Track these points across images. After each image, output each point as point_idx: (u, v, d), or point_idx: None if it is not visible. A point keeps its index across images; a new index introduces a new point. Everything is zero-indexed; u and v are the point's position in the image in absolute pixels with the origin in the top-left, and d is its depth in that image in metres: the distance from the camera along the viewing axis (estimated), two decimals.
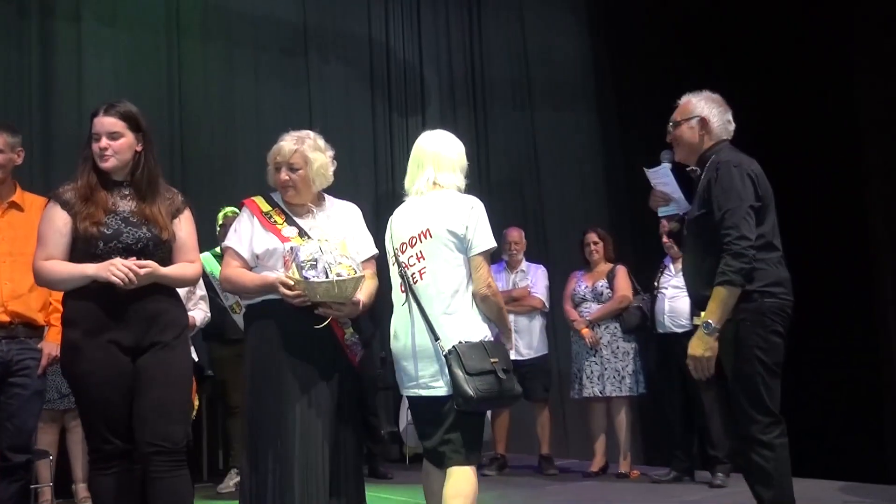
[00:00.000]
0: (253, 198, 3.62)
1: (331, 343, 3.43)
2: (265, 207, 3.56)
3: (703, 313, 3.25)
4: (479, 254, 3.36)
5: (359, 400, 4.11)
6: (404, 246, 3.43)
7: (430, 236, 3.37)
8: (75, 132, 6.71)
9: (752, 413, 3.24)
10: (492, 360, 3.21)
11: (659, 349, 5.99)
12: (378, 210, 8.25)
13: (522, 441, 7.27)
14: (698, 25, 9.10)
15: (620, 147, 9.42)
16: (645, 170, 3.67)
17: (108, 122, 3.27)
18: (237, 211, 4.06)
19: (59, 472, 5.53)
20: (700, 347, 3.25)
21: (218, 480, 6.10)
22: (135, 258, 3.16)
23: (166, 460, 3.21)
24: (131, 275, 3.08)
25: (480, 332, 3.31)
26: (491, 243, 3.39)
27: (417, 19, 8.88)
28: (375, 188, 8.36)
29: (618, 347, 6.14)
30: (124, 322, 3.19)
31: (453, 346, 3.20)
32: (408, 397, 3.50)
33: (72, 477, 5.79)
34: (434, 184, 3.49)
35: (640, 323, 6.13)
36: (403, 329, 3.40)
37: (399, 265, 3.44)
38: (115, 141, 3.26)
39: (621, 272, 6.24)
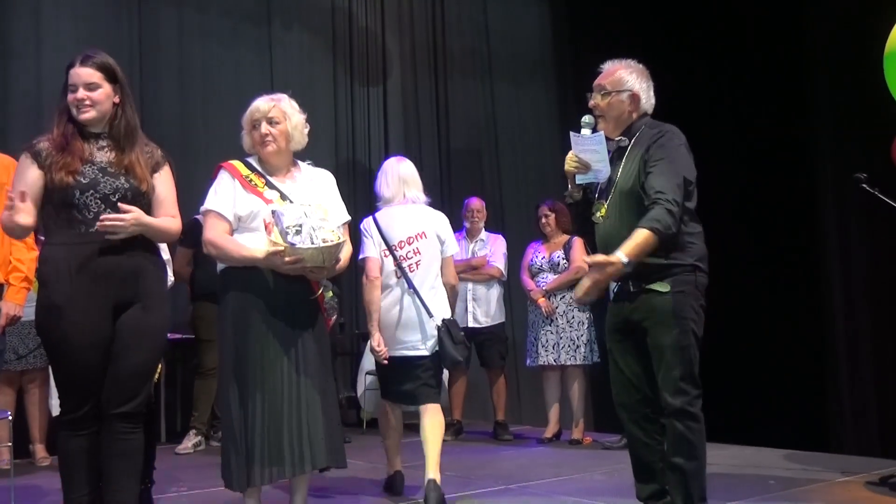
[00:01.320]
0: (230, 162, 3.55)
1: (313, 305, 3.46)
2: (244, 171, 3.51)
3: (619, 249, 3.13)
4: (451, 255, 4.49)
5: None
6: (402, 243, 4.32)
7: (426, 237, 4.35)
8: (34, 94, 6.54)
9: (682, 385, 3.23)
10: (461, 333, 4.32)
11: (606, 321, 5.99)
12: (337, 175, 8.09)
13: (477, 408, 7.29)
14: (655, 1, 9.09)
15: (577, 121, 9.35)
16: (573, 135, 3.47)
17: (84, 73, 3.16)
18: None
19: (16, 433, 5.43)
20: (612, 276, 3.19)
21: (176, 441, 6.05)
22: (114, 213, 3.08)
23: (127, 423, 3.18)
24: (119, 226, 3.02)
25: (449, 310, 4.40)
26: (457, 248, 4.72)
27: None
28: (335, 156, 8.27)
29: (573, 317, 6.16)
30: (104, 280, 3.11)
31: (443, 321, 4.23)
32: (391, 356, 4.27)
33: (29, 437, 5.71)
34: (416, 198, 4.45)
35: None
36: (395, 305, 4.29)
37: (395, 257, 4.27)
38: (92, 92, 3.16)
39: (577, 243, 6.22)
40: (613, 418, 6.63)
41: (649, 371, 3.36)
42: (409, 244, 4.33)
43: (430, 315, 4.25)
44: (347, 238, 3.51)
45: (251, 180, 3.47)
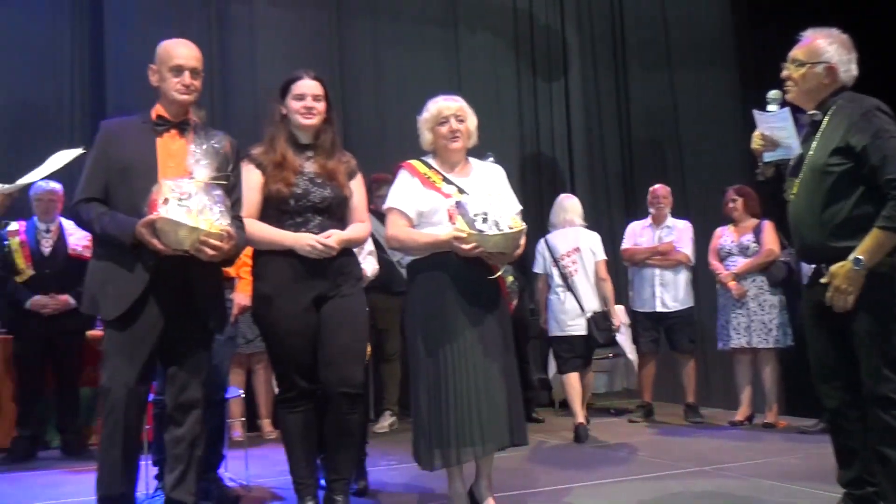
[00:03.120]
0: (409, 161, 3.65)
1: (495, 290, 3.49)
2: (423, 169, 3.59)
3: (857, 248, 2.95)
4: (602, 260, 5.88)
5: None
6: (563, 256, 5.89)
7: (580, 251, 5.88)
8: (250, 103, 6.96)
9: (885, 372, 3.00)
10: (608, 323, 5.76)
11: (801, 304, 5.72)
12: (524, 170, 8.24)
13: (668, 391, 7.15)
14: None
15: (760, 104, 8.98)
16: (756, 112, 3.30)
17: (313, 86, 3.40)
18: None
19: (246, 410, 5.82)
20: (846, 281, 2.98)
21: (371, 421, 6.21)
22: (320, 218, 3.32)
23: (347, 402, 3.36)
24: (327, 251, 3.25)
25: (598, 304, 5.82)
26: (604, 256, 5.97)
27: None
28: (522, 150, 8.34)
29: (764, 300, 5.94)
30: (310, 277, 3.31)
31: (593, 314, 5.74)
32: (561, 335, 5.83)
33: (257, 413, 6.10)
34: (573, 222, 6.02)
35: (786, 277, 5.91)
36: (562, 300, 5.83)
37: (559, 266, 5.86)
38: (317, 103, 3.39)
39: (768, 227, 6.02)
40: (808, 402, 6.37)
41: (849, 356, 3.13)
42: (568, 256, 5.87)
43: (582, 309, 5.71)
44: (525, 228, 3.49)
45: (430, 177, 3.54)
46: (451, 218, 3.36)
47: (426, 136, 3.61)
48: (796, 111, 3.27)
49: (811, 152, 3.17)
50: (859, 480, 3.21)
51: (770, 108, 3.29)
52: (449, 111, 3.54)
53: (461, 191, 3.48)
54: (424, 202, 3.50)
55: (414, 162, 3.63)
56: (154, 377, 3.16)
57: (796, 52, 3.25)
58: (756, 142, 3.32)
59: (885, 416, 2.99)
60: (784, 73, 3.27)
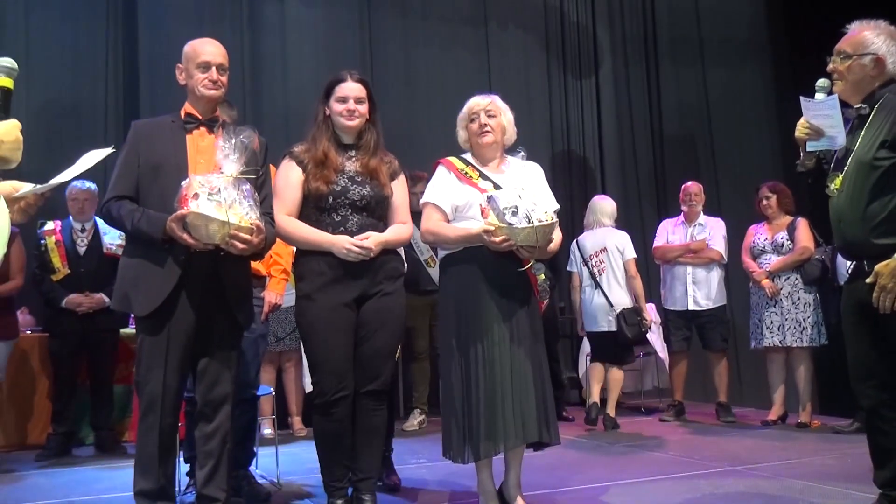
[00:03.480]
0: (447, 158, 3.65)
1: (526, 286, 3.47)
2: (460, 165, 3.59)
3: None
4: (631, 258, 6.04)
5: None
6: (591, 256, 6.11)
7: (607, 251, 6.07)
8: (281, 104, 6.99)
9: None
10: (638, 318, 5.90)
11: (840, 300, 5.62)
12: (554, 167, 8.18)
13: (699, 389, 7.09)
14: None
15: (794, 99, 8.83)
16: (804, 99, 3.20)
17: (356, 88, 3.40)
18: None
19: (276, 408, 5.84)
20: (892, 280, 2.88)
21: (401, 420, 6.22)
22: (359, 216, 3.32)
23: (373, 399, 3.36)
24: (364, 254, 3.23)
25: (629, 300, 5.99)
26: (634, 255, 6.09)
27: None
28: (552, 146, 8.32)
29: (798, 298, 5.85)
30: (351, 277, 3.30)
31: (622, 310, 5.90)
32: (589, 331, 6.14)
33: (287, 411, 6.12)
34: (602, 222, 6.23)
35: (821, 275, 5.81)
36: (591, 298, 6.10)
37: (588, 266, 6.10)
38: (360, 105, 3.40)
39: (802, 224, 5.93)
40: (842, 402, 6.28)
41: (886, 356, 3.06)
42: (596, 256, 6.09)
43: (611, 305, 5.92)
44: (557, 221, 3.46)
45: (466, 173, 3.54)
46: (483, 212, 3.35)
47: (461, 134, 3.65)
48: (843, 106, 3.18)
49: (857, 146, 3.08)
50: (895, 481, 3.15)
51: (818, 95, 3.20)
52: (479, 107, 3.57)
53: (496, 186, 3.46)
54: (460, 196, 3.50)
55: (451, 158, 3.64)
56: (188, 373, 3.16)
57: (842, 45, 3.17)
58: (801, 130, 3.23)
59: None
60: (830, 67, 3.19)
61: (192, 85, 3.20)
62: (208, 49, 3.22)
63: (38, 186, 2.09)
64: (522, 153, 3.68)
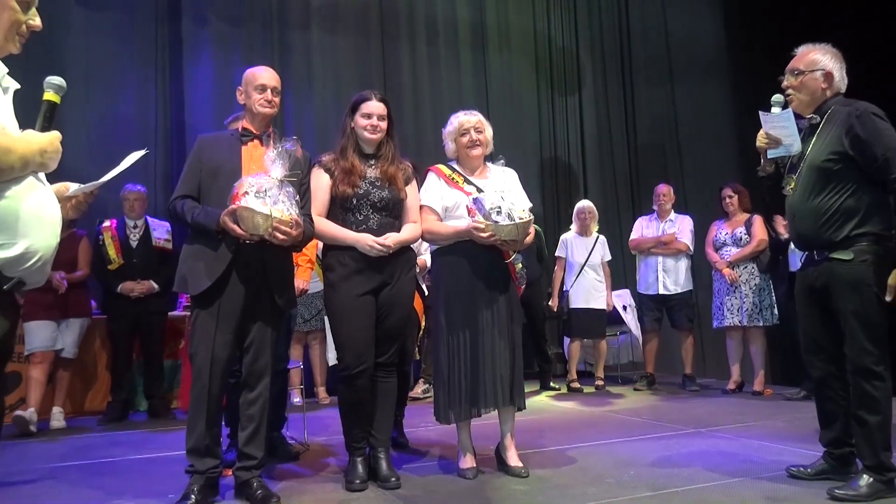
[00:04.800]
0: (436, 165, 3.69)
1: (506, 275, 3.52)
2: (448, 172, 3.62)
3: None
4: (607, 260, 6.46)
5: (533, 325, 6.08)
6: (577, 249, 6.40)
7: (588, 247, 6.36)
8: (308, 119, 6.99)
9: (867, 346, 2.94)
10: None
11: (791, 285, 5.61)
12: (543, 171, 8.19)
13: (667, 363, 7.10)
14: (813, 7, 8.36)
15: (750, 113, 8.84)
16: (762, 113, 3.20)
17: (379, 107, 3.44)
18: None
19: (304, 379, 5.84)
20: None
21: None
22: (378, 215, 3.37)
23: (383, 370, 3.43)
24: (384, 251, 3.28)
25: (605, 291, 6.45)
26: (609, 256, 6.51)
27: (574, 12, 8.67)
28: (541, 154, 8.31)
29: (755, 284, 5.86)
30: (371, 269, 3.34)
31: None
32: (578, 307, 6.33)
33: (313, 381, 6.14)
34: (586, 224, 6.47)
35: (773, 263, 5.81)
36: (581, 285, 6.33)
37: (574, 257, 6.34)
38: (382, 122, 3.43)
39: (758, 220, 5.94)
40: (792, 373, 6.29)
41: (833, 333, 3.08)
42: (579, 249, 6.42)
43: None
44: (532, 218, 3.50)
45: (453, 178, 3.58)
46: (469, 212, 3.40)
47: (450, 146, 3.67)
48: (797, 118, 3.19)
49: (809, 151, 3.11)
50: (839, 441, 3.19)
51: (773, 109, 3.21)
52: (469, 124, 3.60)
53: (479, 190, 3.51)
54: (449, 199, 3.54)
55: (440, 166, 3.67)
56: (235, 349, 3.16)
57: (795, 63, 3.19)
58: (761, 140, 3.25)
59: (865, 384, 2.95)
60: (784, 84, 3.21)
61: (250, 104, 3.24)
62: (265, 75, 3.27)
63: (86, 185, 2.11)
64: (502, 160, 3.71)
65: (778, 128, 3.18)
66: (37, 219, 1.84)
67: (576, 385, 6.35)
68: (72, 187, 2.10)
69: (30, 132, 1.90)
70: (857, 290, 2.97)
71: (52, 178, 2.04)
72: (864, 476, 2.95)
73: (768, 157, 3.26)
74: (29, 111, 2.03)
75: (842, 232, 3.00)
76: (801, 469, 3.27)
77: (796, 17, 8.60)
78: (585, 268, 6.43)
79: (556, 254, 6.60)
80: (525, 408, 3.57)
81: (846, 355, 3.02)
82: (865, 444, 2.99)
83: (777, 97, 3.24)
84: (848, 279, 2.98)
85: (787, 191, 3.20)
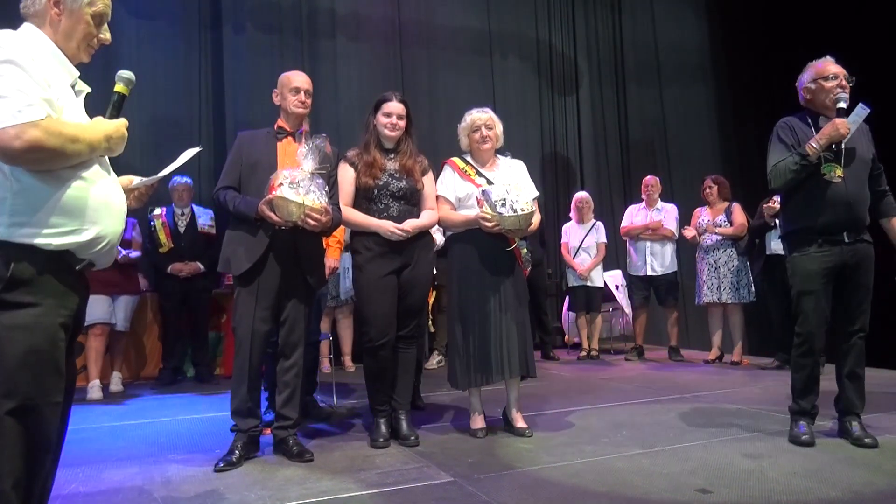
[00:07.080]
0: (452, 158, 3.67)
1: (512, 259, 3.51)
2: (461, 164, 3.61)
3: None
4: (603, 242, 6.42)
5: (535, 302, 5.61)
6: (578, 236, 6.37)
7: (588, 233, 6.34)
8: (333, 121, 6.97)
9: (867, 311, 3.16)
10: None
11: (767, 266, 5.61)
12: (544, 164, 8.16)
13: (655, 336, 7.10)
14: (791, 15, 8.26)
15: (732, 113, 8.85)
16: (861, 107, 3.12)
17: (399, 107, 3.44)
18: None
19: (333, 349, 5.89)
20: None
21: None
22: (398, 204, 3.37)
23: (403, 342, 3.44)
24: (403, 236, 3.29)
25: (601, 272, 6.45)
26: (605, 239, 6.47)
27: (572, 21, 8.58)
28: (542, 149, 8.26)
29: (734, 265, 5.84)
30: (393, 252, 3.34)
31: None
32: (574, 286, 6.31)
33: (340, 351, 6.17)
34: (585, 212, 6.47)
35: (751, 246, 5.79)
36: (576, 262, 6.32)
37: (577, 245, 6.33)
38: (400, 120, 3.42)
39: (737, 208, 5.92)
40: (766, 345, 6.28)
41: (836, 305, 3.17)
42: (580, 234, 6.40)
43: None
44: (537, 208, 3.49)
45: (466, 171, 3.56)
46: (479, 203, 3.39)
47: (463, 140, 3.65)
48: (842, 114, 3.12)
49: (858, 147, 3.16)
50: (813, 408, 3.25)
51: (849, 108, 3.13)
52: (480, 121, 3.57)
53: (489, 182, 3.50)
54: (461, 190, 3.53)
55: (455, 159, 3.66)
56: (273, 323, 3.17)
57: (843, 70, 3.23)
58: (843, 129, 3.07)
59: (862, 343, 3.14)
60: (845, 84, 3.18)
61: (285, 105, 3.25)
62: (299, 78, 3.28)
63: (147, 179, 2.13)
64: (509, 154, 3.69)
65: (854, 123, 3.11)
66: (105, 206, 1.86)
67: (595, 353, 6.49)
68: (135, 180, 2.12)
69: (99, 119, 1.91)
70: (873, 266, 3.16)
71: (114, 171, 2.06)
72: (855, 423, 3.14)
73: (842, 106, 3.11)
74: (91, 114, 2.04)
75: (868, 217, 3.18)
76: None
77: (774, 28, 8.53)
78: (582, 251, 6.44)
79: (562, 241, 6.63)
80: (535, 375, 3.57)
81: (854, 322, 3.14)
82: (859, 396, 3.16)
83: (842, 96, 3.13)
84: (872, 257, 3.16)
85: (832, 178, 3.09)
